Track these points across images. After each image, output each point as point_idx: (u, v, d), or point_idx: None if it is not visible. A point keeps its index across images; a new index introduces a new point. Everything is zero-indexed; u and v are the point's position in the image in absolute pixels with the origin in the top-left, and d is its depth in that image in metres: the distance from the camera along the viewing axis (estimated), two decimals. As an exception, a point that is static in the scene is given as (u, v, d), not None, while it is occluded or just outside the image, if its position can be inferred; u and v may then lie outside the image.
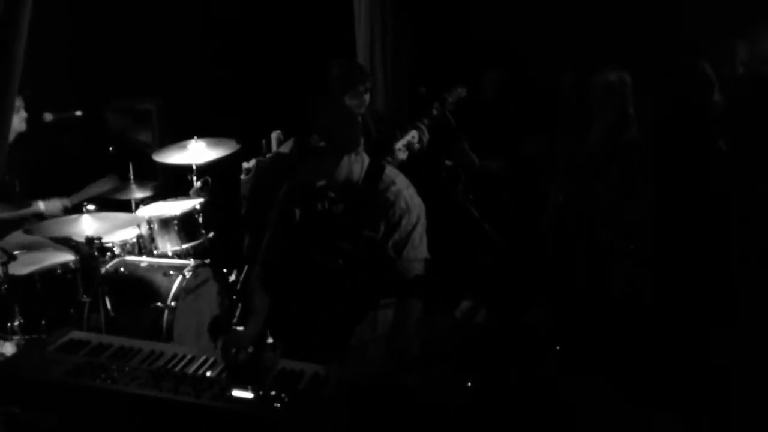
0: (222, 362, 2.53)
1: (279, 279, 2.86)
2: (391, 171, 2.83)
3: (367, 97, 4.19)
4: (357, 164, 2.73)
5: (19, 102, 4.33)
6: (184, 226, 4.43)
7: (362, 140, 2.79)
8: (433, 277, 2.85)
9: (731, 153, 3.59)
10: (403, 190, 2.75)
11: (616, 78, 4.23)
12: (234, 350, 2.55)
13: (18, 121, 4.35)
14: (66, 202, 4.45)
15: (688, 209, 3.59)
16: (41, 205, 4.37)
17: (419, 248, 2.74)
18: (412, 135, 4.28)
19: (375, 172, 2.77)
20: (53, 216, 4.35)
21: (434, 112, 4.30)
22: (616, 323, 3.98)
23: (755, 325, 3.41)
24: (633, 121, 4.15)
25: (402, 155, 4.21)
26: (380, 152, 4.00)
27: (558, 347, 4.15)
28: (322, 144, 2.59)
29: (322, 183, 2.69)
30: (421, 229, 2.75)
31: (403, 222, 2.70)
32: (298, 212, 2.85)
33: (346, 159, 2.68)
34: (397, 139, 4.29)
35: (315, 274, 2.77)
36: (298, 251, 2.83)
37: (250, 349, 2.62)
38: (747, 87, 4.13)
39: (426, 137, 4.25)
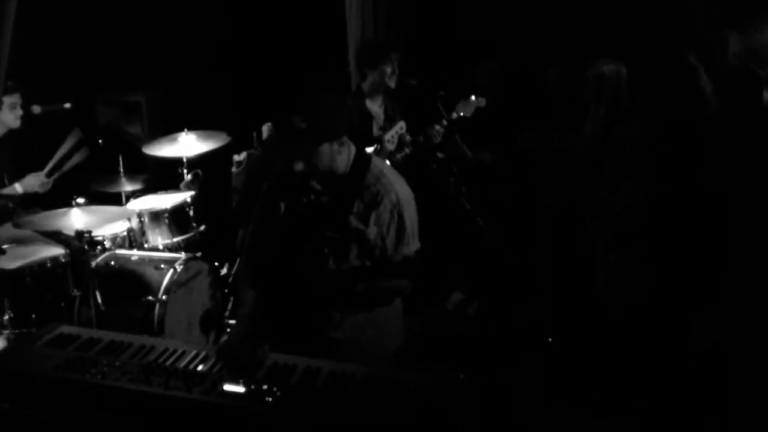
0: (219, 364, 2.48)
1: (266, 272, 2.83)
2: (378, 162, 2.79)
3: (389, 69, 4.28)
4: (342, 155, 2.67)
5: (16, 99, 4.31)
6: (175, 219, 4.42)
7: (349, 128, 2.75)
8: (425, 270, 2.83)
9: (725, 146, 3.59)
10: (394, 182, 2.72)
11: (610, 70, 4.23)
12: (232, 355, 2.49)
13: (13, 119, 4.34)
14: (41, 176, 4.44)
15: (683, 201, 3.59)
16: (17, 187, 4.36)
17: (412, 241, 2.72)
18: (401, 126, 4.30)
19: (362, 162, 2.74)
20: (33, 192, 4.37)
21: (444, 122, 4.35)
22: (603, 315, 4.00)
23: (750, 317, 3.42)
24: (627, 113, 4.15)
25: (390, 146, 4.23)
26: (369, 143, 4.02)
27: (550, 339, 4.17)
28: (303, 125, 2.52)
29: (300, 167, 2.61)
30: (411, 222, 2.73)
31: (395, 216, 2.67)
32: (282, 206, 2.82)
33: (327, 147, 2.61)
34: (386, 130, 4.31)
35: (303, 266, 2.74)
36: (285, 243, 2.80)
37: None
38: (738, 79, 4.12)
39: (437, 140, 4.31)
